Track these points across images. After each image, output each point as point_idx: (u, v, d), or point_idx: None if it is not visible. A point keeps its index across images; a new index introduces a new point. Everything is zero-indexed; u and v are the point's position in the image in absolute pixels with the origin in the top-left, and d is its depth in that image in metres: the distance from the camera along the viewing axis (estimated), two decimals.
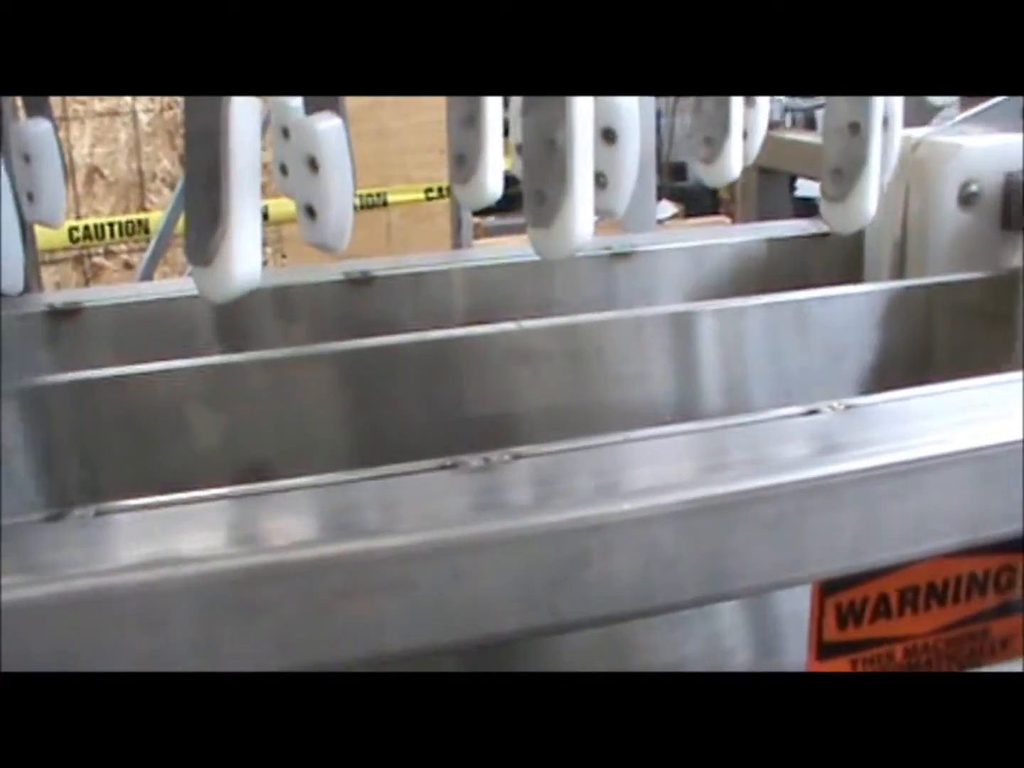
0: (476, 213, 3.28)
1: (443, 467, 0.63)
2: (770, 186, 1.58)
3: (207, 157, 0.65)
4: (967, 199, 1.14)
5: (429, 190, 3.90)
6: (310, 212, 0.72)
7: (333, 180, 0.70)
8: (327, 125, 0.71)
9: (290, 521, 0.60)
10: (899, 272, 1.20)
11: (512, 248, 1.28)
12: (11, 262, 0.80)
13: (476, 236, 3.42)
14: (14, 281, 0.81)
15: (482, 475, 0.62)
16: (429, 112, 3.85)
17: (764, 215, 1.65)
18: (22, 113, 0.99)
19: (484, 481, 0.62)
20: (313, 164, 0.70)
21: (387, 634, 0.56)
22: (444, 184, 3.61)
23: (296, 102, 0.82)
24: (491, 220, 4.15)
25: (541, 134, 0.68)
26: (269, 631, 0.55)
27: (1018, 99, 1.36)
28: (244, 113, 0.64)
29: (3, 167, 0.83)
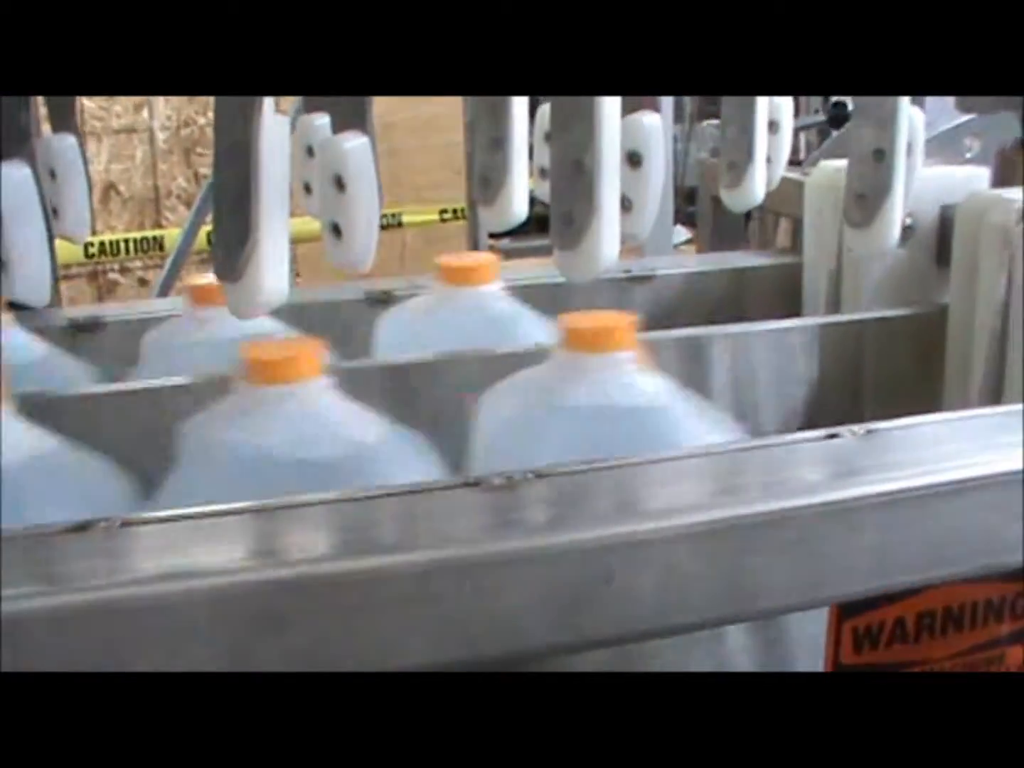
0: (491, 235, 3.28)
1: (465, 484, 0.63)
2: (726, 214, 1.55)
3: (236, 172, 0.65)
4: (902, 232, 1.12)
5: (444, 211, 3.91)
6: (336, 231, 0.72)
7: (360, 199, 0.71)
8: (354, 144, 0.71)
9: (313, 536, 0.60)
10: (835, 306, 1.18)
11: (529, 270, 1.29)
12: (41, 275, 0.81)
13: None
14: (42, 295, 0.82)
15: (504, 493, 0.63)
16: (443, 133, 3.87)
17: (717, 245, 1.61)
18: (46, 127, 1.00)
19: (506, 499, 0.62)
20: (340, 183, 0.71)
21: (408, 650, 0.56)
22: (459, 206, 3.63)
23: (321, 120, 0.82)
24: (506, 242, 4.14)
25: (568, 156, 0.69)
26: (291, 645, 0.55)
27: (961, 130, 1.34)
28: (274, 128, 0.65)
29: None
